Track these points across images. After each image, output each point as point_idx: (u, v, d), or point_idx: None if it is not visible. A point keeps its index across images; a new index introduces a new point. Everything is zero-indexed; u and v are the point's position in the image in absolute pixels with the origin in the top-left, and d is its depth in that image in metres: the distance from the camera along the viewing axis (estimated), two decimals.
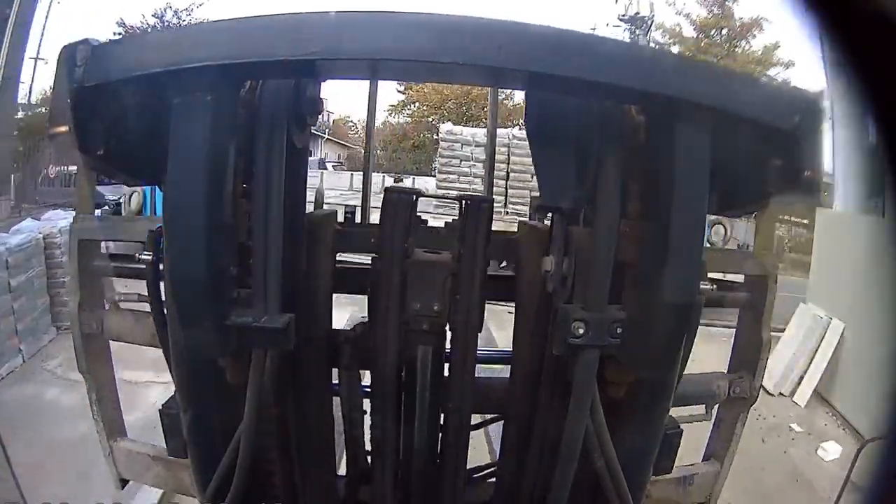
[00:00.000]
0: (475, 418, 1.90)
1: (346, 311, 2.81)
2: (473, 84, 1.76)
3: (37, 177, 15.40)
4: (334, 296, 1.81)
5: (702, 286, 1.50)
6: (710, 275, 1.57)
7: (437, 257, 1.70)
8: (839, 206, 7.01)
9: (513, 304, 1.83)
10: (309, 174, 1.77)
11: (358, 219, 2.46)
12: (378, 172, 17.59)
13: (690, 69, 1.30)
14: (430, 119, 27.16)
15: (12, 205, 13.04)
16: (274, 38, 1.16)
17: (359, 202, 2.93)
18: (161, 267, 1.57)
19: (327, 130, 27.96)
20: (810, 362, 6.38)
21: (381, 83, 3.11)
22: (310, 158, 2.01)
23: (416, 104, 28.26)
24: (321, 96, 1.62)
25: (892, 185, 0.99)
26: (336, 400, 1.84)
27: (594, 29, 15.92)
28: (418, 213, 1.68)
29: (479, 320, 1.66)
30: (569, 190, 1.41)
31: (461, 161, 15.59)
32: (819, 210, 7.03)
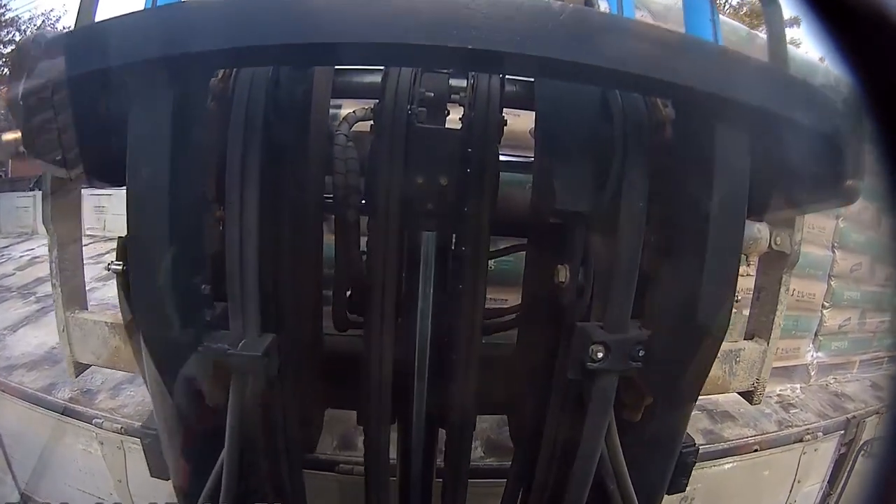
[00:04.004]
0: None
1: None
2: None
3: None
4: None
5: None
6: None
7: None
8: None
9: None
10: None
11: None
12: None
13: (734, 63, 1.16)
14: None
15: None
16: (262, 21, 0.99)
17: None
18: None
19: None
20: None
21: None
22: None
23: None
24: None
25: (892, 184, 0.98)
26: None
27: None
28: None
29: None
30: (588, 192, 1.25)
31: None
32: None
